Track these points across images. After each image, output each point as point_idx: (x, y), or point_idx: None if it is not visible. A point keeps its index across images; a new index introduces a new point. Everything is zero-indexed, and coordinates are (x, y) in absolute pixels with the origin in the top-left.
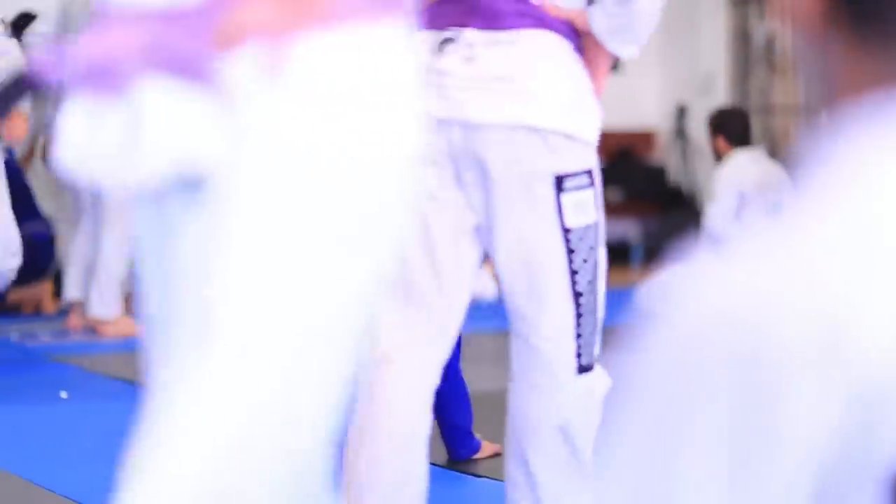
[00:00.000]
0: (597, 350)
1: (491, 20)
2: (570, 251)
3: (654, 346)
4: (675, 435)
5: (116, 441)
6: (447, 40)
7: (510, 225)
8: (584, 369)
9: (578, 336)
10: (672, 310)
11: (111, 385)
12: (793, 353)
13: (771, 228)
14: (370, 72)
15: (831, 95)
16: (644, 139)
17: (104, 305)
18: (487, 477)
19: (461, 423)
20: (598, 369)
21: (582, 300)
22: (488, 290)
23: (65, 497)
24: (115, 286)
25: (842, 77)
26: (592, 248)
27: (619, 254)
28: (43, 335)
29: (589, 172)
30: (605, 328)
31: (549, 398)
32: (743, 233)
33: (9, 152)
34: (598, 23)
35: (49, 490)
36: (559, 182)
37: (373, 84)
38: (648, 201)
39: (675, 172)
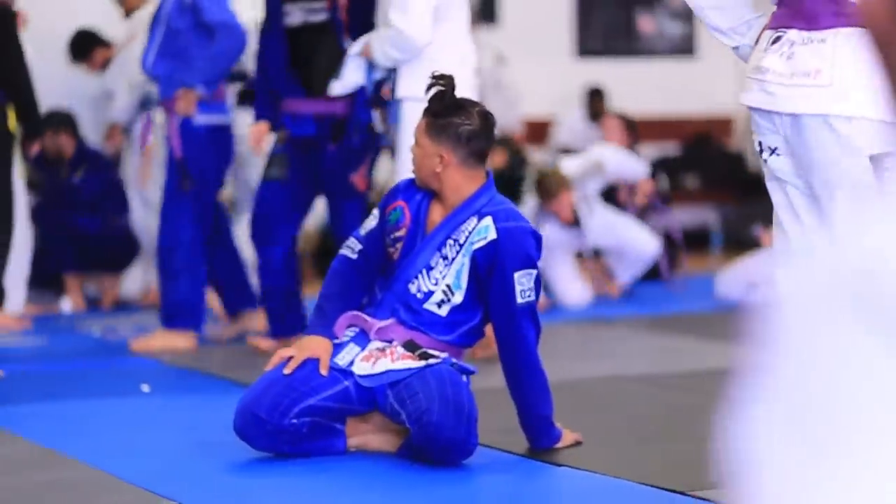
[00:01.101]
0: None
1: (810, 21)
2: None
3: (795, 292)
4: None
5: (198, 434)
6: (776, 39)
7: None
8: None
9: None
10: (812, 260)
11: (192, 378)
12: None
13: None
14: None
15: None
16: (722, 125)
17: None
18: (569, 466)
19: (542, 412)
20: None
21: None
22: (584, 297)
23: (148, 490)
24: None
25: None
26: None
27: (698, 240)
28: (124, 329)
29: None
30: (687, 314)
31: None
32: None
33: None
34: None
35: (132, 483)
36: (876, 161)
37: None
38: (727, 188)
39: (753, 158)
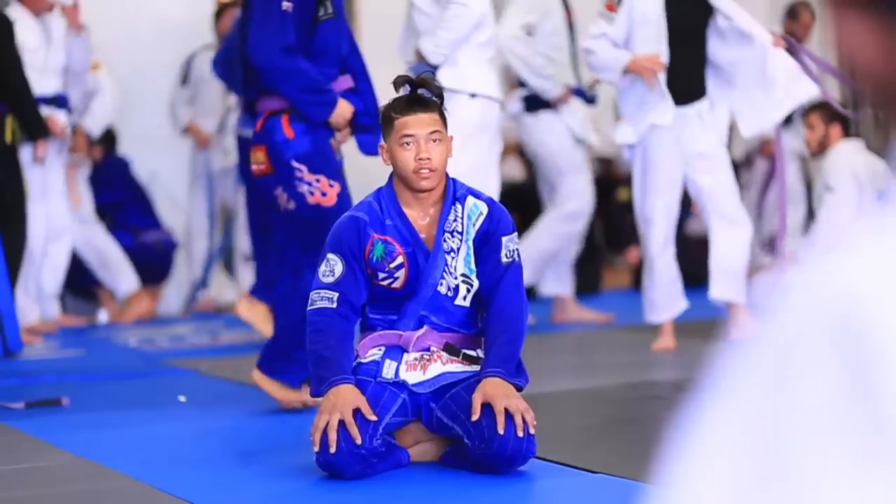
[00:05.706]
0: None
1: None
2: None
3: (767, 329)
4: (786, 405)
5: (235, 444)
6: None
7: None
8: None
9: None
10: (787, 296)
11: (228, 388)
12: None
13: (882, 216)
14: None
15: None
16: None
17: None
18: (605, 473)
19: (517, 355)
20: None
21: None
22: None
23: (184, 500)
24: None
25: None
26: None
27: None
28: (160, 340)
29: None
30: (711, 320)
31: None
32: (858, 223)
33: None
34: None
35: (169, 493)
36: None
37: None
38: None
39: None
